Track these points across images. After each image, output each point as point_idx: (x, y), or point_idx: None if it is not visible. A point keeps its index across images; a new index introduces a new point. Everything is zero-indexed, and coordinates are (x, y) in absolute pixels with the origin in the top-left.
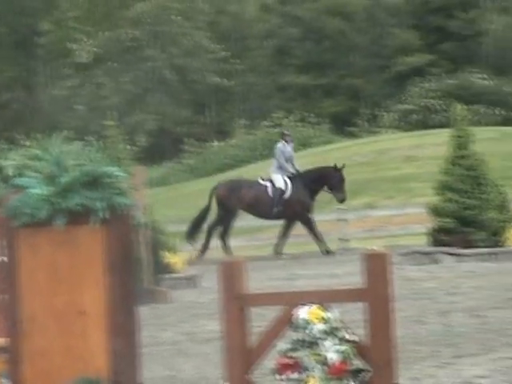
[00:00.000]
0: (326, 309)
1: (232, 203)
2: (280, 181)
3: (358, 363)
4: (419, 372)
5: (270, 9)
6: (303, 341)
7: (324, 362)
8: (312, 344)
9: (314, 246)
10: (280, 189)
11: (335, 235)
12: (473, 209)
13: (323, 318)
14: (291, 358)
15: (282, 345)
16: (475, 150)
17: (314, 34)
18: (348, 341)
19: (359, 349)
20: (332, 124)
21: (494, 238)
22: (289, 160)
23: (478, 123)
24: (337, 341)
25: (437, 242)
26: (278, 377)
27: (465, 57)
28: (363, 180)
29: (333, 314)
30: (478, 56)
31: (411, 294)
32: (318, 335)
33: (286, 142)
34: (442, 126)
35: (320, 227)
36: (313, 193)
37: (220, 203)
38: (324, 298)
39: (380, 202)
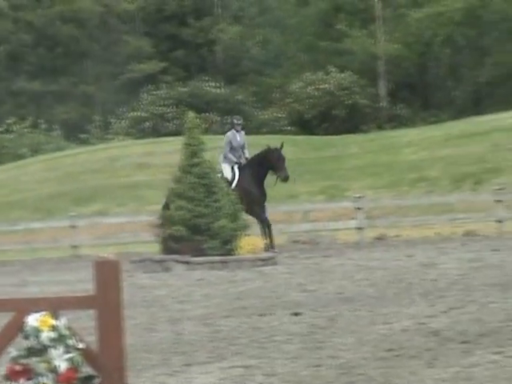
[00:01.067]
0: (55, 316)
1: None
2: (227, 170)
3: (88, 370)
4: (149, 379)
5: (2, 14)
6: (33, 348)
7: (53, 370)
8: (41, 351)
9: (45, 253)
10: (226, 179)
11: (66, 242)
12: (204, 217)
13: (52, 326)
14: (22, 364)
15: (14, 351)
16: (207, 158)
17: (46, 40)
18: (76, 348)
19: (89, 356)
20: (64, 130)
21: (226, 247)
22: (238, 148)
23: (210, 131)
24: (65, 348)
25: (168, 250)
26: (11, 383)
27: (197, 65)
28: (95, 187)
29: (61, 321)
30: (210, 64)
31: (142, 301)
32: (46, 343)
33: (236, 130)
34: (174, 133)
35: (51, 234)
36: (262, 178)
37: None
38: (54, 305)
39: (112, 209)
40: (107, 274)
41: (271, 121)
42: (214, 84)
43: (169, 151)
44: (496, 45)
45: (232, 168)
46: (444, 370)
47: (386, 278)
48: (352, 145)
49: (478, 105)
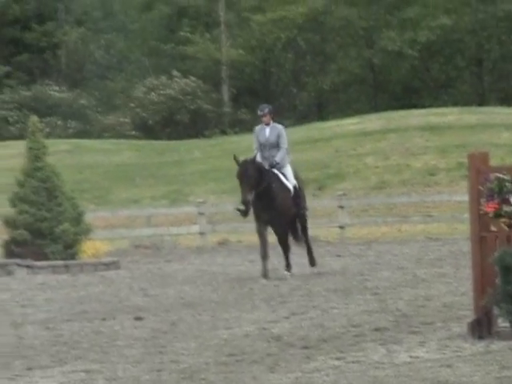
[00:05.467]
0: None
1: None
2: None
3: None
4: None
5: None
6: None
7: None
8: None
9: None
10: None
11: None
12: (47, 221)
13: None
14: None
15: None
16: (49, 162)
17: None
18: None
19: None
20: None
21: (68, 251)
22: (266, 146)
23: (53, 135)
24: None
25: (10, 254)
26: None
27: (41, 69)
28: None
29: None
30: (54, 68)
31: None
32: None
33: (265, 124)
34: (17, 137)
35: None
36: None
37: None
38: None
39: None
40: None
41: (115, 125)
42: (57, 88)
43: (11, 155)
44: (339, 51)
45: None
46: (285, 375)
47: (228, 283)
48: (195, 150)
49: (320, 111)
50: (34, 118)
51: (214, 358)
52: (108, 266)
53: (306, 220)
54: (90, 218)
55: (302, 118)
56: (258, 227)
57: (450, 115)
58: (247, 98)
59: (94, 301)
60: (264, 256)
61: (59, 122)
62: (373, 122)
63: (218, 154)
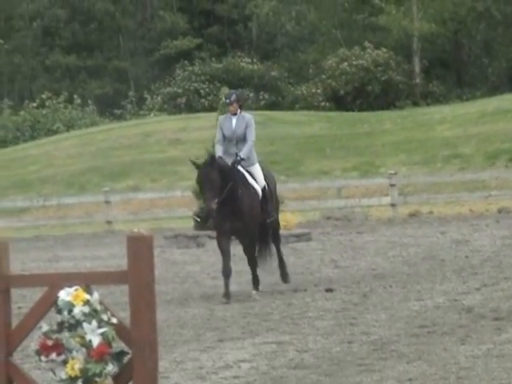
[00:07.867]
0: (88, 291)
1: None
2: None
3: (121, 346)
4: (181, 355)
5: None
6: (65, 323)
7: (86, 345)
8: (74, 326)
9: (78, 228)
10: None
11: (100, 217)
12: None
13: (85, 300)
14: (54, 339)
15: (45, 326)
16: None
17: (81, 15)
18: (109, 323)
19: (121, 331)
20: (98, 106)
21: None
22: (233, 139)
23: (245, 107)
24: (98, 323)
25: (201, 226)
26: (42, 358)
27: (232, 41)
28: (128, 162)
29: (94, 295)
30: (245, 40)
31: (175, 277)
32: (79, 317)
33: (232, 113)
34: (208, 109)
35: (84, 209)
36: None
37: None
38: (86, 280)
39: (145, 184)
40: (140, 248)
41: (306, 96)
42: (248, 60)
43: (202, 127)
44: None
45: None
46: (476, 347)
47: (419, 255)
48: (386, 121)
49: None
50: (226, 90)
51: (405, 329)
52: (299, 237)
53: (278, 227)
54: (281, 189)
55: (493, 89)
56: (220, 239)
57: None
58: (438, 69)
59: None
60: (227, 274)
61: (251, 94)
62: None
63: (410, 125)
